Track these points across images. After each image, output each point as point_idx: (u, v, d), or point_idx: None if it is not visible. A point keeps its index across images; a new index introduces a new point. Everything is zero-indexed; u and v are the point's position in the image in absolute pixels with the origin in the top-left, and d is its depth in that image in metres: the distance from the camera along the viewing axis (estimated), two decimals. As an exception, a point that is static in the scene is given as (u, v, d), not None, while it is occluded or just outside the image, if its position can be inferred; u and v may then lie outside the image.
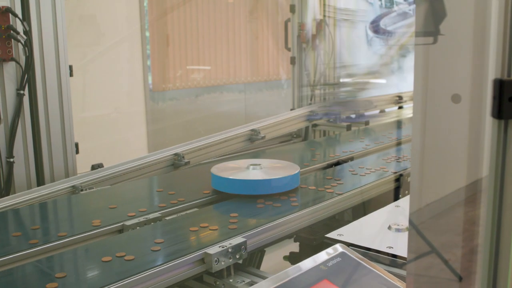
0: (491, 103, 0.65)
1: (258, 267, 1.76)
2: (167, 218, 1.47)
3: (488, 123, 0.66)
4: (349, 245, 1.35)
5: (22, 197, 1.71)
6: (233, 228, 1.35)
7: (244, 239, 1.26)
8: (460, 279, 0.70)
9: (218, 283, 1.21)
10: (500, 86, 0.65)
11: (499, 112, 0.65)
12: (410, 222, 0.74)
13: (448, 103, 0.71)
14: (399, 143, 2.53)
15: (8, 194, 1.84)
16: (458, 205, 0.71)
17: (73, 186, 1.84)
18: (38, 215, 1.57)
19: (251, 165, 1.70)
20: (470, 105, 0.69)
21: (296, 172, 1.69)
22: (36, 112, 1.95)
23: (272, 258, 1.96)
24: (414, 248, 0.76)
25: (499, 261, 0.66)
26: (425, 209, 0.74)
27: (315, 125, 3.14)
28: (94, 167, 2.09)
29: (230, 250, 1.21)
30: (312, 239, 1.62)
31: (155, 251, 1.21)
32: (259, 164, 1.71)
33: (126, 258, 1.16)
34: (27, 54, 1.87)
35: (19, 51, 1.87)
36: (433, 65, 0.71)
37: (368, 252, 1.29)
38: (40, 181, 1.97)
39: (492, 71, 0.66)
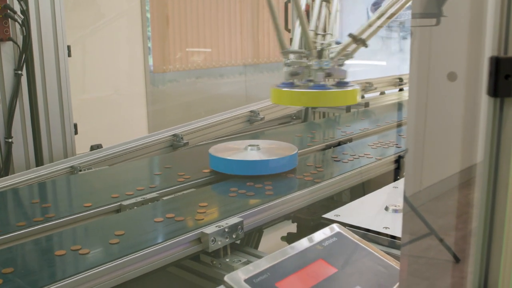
0: (487, 81, 0.65)
1: (256, 247, 1.77)
2: (164, 198, 1.47)
3: (484, 101, 0.65)
4: (345, 225, 1.35)
5: (21, 177, 1.72)
6: (230, 208, 1.35)
7: (240, 219, 1.26)
8: (457, 260, 0.70)
9: (214, 262, 1.21)
10: (497, 64, 0.64)
11: (495, 90, 0.64)
12: (405, 202, 0.74)
13: (444, 81, 0.70)
14: (399, 125, 2.53)
15: (7, 175, 1.84)
16: (452, 186, 0.71)
17: (71, 167, 1.84)
18: (36, 195, 1.57)
19: (249, 145, 1.70)
20: (466, 83, 0.68)
21: (294, 153, 1.69)
22: (34, 92, 1.95)
23: (271, 239, 1.97)
24: (409, 230, 0.76)
25: (492, 242, 0.66)
26: (420, 190, 0.74)
27: (314, 107, 3.13)
28: (93, 148, 2.09)
29: (226, 230, 1.21)
30: (310, 220, 1.62)
31: (151, 231, 1.21)
32: (257, 145, 1.70)
33: (122, 237, 1.17)
34: (25, 34, 1.86)
35: (16, 31, 1.86)
36: (429, 43, 0.70)
37: (364, 233, 1.30)
38: (39, 162, 1.97)
39: (489, 49, 0.65)
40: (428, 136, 0.71)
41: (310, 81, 1.68)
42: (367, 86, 3.29)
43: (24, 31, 1.86)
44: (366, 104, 3.10)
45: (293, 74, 1.68)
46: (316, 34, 1.74)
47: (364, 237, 1.28)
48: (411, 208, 0.74)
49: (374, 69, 4.35)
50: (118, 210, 1.41)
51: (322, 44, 1.69)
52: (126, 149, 2.01)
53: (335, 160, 1.84)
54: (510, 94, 0.63)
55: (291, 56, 1.70)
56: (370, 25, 1.65)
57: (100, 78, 3.53)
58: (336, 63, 1.67)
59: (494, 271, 0.66)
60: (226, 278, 0.91)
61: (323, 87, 1.63)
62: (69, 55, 2.05)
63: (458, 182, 0.71)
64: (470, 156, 0.68)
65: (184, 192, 1.53)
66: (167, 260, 1.15)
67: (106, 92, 3.60)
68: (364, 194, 1.59)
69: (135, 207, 1.41)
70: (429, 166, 0.71)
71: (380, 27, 1.67)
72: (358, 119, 2.77)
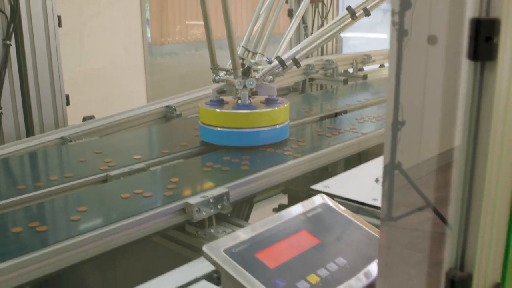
0: (467, 43, 0.62)
1: (247, 219, 1.76)
2: (151, 168, 1.46)
3: (464, 65, 0.63)
4: (334, 197, 1.33)
5: (10, 147, 1.70)
6: (215, 179, 1.34)
7: (226, 190, 1.24)
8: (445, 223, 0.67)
9: (200, 233, 1.20)
10: (477, 26, 0.61)
11: (475, 53, 0.61)
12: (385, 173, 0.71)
13: (424, 45, 0.67)
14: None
15: (-4, 145, 1.82)
16: (432, 155, 0.68)
17: (61, 138, 1.82)
18: (24, 165, 1.55)
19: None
20: (446, 47, 0.66)
21: (286, 124, 1.66)
22: (24, 63, 1.92)
23: (265, 211, 1.96)
24: (387, 200, 0.74)
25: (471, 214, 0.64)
26: (400, 159, 0.71)
27: (312, 79, 3.09)
28: (85, 119, 2.07)
29: (211, 200, 1.20)
30: (301, 192, 1.61)
31: (136, 200, 1.20)
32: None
33: (108, 206, 1.16)
34: (12, 3, 1.83)
35: (4, 0, 1.83)
36: (409, 5, 0.67)
37: (352, 204, 1.28)
38: (30, 132, 1.96)
39: (470, 10, 0.62)
40: (407, 102, 0.69)
41: (238, 98, 1.66)
42: (366, 59, 3.24)
43: (12, 0, 1.82)
44: (365, 77, 3.06)
45: (220, 92, 1.68)
46: (248, 52, 1.72)
47: (351, 208, 1.27)
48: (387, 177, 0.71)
49: (374, 42, 4.28)
50: (105, 180, 1.40)
51: (250, 62, 1.68)
52: (118, 120, 1.99)
53: (319, 134, 1.81)
54: (491, 57, 0.60)
55: (221, 73, 1.68)
56: (303, 49, 1.66)
57: (97, 50, 3.49)
58: (261, 82, 1.66)
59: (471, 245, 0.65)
60: (204, 248, 0.90)
61: (248, 107, 1.61)
62: (60, 25, 2.02)
63: (438, 150, 0.68)
64: (451, 119, 0.66)
65: (172, 163, 1.51)
66: (151, 230, 1.14)
67: (103, 63, 3.57)
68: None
69: (121, 178, 1.39)
70: (406, 132, 0.69)
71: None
72: (355, 91, 2.74)
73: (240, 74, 1.65)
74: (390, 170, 0.67)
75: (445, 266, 0.66)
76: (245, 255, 0.90)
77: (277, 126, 1.63)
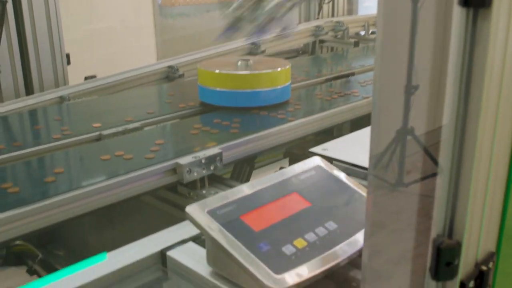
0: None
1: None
2: (146, 128, 1.42)
3: (456, 13, 0.57)
4: (332, 160, 1.29)
5: (8, 106, 1.68)
6: (210, 139, 1.30)
7: (219, 151, 1.21)
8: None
9: (191, 194, 1.17)
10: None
11: (465, -1, 0.55)
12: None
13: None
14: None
15: (-5, 103, 1.80)
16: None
17: (60, 97, 1.79)
18: (21, 122, 1.53)
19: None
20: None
21: (287, 84, 1.61)
22: (21, 21, 1.87)
23: (265, 176, 1.92)
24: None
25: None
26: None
27: (322, 41, 3.02)
28: (87, 79, 2.03)
29: (203, 161, 1.16)
30: (301, 155, 1.56)
31: (127, 159, 1.16)
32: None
33: (86, 168, 1.13)
34: (9, -44, 1.78)
35: (-1, -48, 1.78)
36: None
37: (350, 168, 1.24)
38: (29, 91, 1.93)
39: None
40: (396, 53, 0.63)
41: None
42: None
43: (8, -47, 1.77)
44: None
45: (235, 21, 1.59)
46: None
47: (349, 172, 1.22)
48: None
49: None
50: (98, 139, 1.37)
51: None
52: (118, 79, 1.95)
53: (318, 97, 1.76)
54: (485, 3, 0.55)
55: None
56: None
57: (107, 9, 3.42)
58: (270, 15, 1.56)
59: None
60: (187, 209, 0.86)
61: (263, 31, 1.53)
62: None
63: (425, 101, 0.63)
64: (440, 71, 0.60)
65: (168, 123, 1.48)
66: (141, 189, 1.12)
67: (113, 23, 3.50)
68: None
69: (115, 137, 1.36)
70: (392, 84, 0.63)
71: None
72: (365, 54, 2.66)
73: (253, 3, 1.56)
74: (402, 135, 0.62)
75: (432, 232, 0.62)
76: (229, 217, 0.86)
77: (278, 87, 1.58)
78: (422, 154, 0.63)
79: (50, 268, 1.14)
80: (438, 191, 0.62)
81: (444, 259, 0.60)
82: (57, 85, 1.98)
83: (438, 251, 0.60)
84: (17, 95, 1.89)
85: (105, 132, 1.36)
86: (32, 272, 1.51)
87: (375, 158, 0.67)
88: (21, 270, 1.55)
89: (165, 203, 1.24)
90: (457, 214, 0.60)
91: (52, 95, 1.78)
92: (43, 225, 1.00)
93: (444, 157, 0.59)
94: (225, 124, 1.44)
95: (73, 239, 1.61)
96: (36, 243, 1.60)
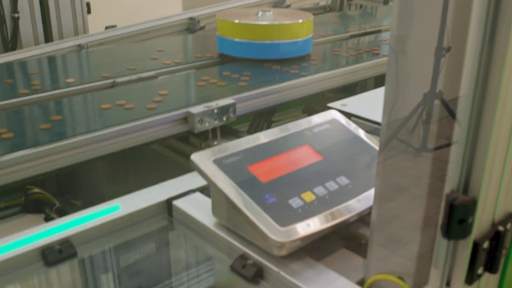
0: None
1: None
2: (160, 77, 1.38)
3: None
4: (351, 116, 1.24)
5: (24, 53, 1.66)
6: (224, 89, 1.26)
7: (233, 101, 1.16)
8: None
9: (203, 145, 1.14)
10: None
11: None
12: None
13: None
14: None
15: (15, 49, 1.78)
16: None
17: (79, 45, 1.76)
18: (35, 68, 1.51)
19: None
20: None
21: (309, 37, 1.55)
22: (41, -34, 1.84)
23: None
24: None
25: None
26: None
27: (350, -1, 2.92)
28: (107, 29, 2.00)
29: (216, 111, 1.12)
30: (320, 110, 1.51)
31: (129, 109, 1.13)
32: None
33: (111, 109, 1.10)
34: None
35: None
36: None
37: (369, 124, 1.19)
38: (49, 39, 1.90)
39: None
40: (427, 11, 0.58)
41: None
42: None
43: None
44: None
45: None
46: None
47: (367, 129, 1.18)
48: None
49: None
50: (112, 86, 1.34)
51: None
52: (138, 30, 1.91)
53: (335, 54, 1.69)
54: None
55: None
56: None
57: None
58: None
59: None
60: (192, 157, 0.83)
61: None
62: None
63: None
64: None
65: (182, 72, 1.44)
66: (150, 137, 1.09)
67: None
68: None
69: (128, 85, 1.33)
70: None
71: None
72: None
73: None
74: (430, 99, 0.58)
75: (446, 187, 0.58)
76: (236, 167, 0.83)
77: (298, 40, 1.52)
78: (449, 120, 0.59)
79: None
80: (454, 144, 0.57)
81: (457, 216, 0.56)
82: (76, 34, 1.95)
83: (451, 207, 0.56)
84: (36, 43, 1.86)
85: (118, 80, 1.33)
86: (49, 220, 1.51)
87: (397, 121, 0.63)
88: (39, 218, 1.56)
89: (177, 154, 1.21)
90: (474, 168, 0.56)
91: (70, 43, 1.75)
92: (57, 167, 0.98)
93: (463, 109, 0.55)
94: (234, 77, 1.39)
95: (90, 189, 1.61)
96: (55, 192, 1.61)
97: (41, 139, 0.99)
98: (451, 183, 0.57)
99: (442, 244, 0.59)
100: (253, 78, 1.38)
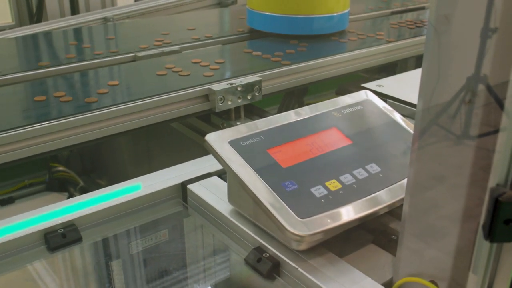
0: None
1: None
2: (184, 52, 1.31)
3: None
4: (387, 97, 1.15)
5: (49, 25, 1.61)
6: (248, 66, 1.17)
7: (259, 78, 1.08)
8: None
9: (225, 125, 1.07)
10: None
11: None
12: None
13: None
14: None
15: (40, 22, 1.74)
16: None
17: (104, 18, 1.70)
18: (60, 39, 1.46)
19: None
20: None
21: (346, 11, 1.45)
22: None
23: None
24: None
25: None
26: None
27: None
28: (136, 1, 1.94)
29: (239, 88, 1.04)
30: (354, 91, 1.42)
31: (153, 83, 1.07)
32: None
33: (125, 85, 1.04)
34: None
35: None
36: None
37: (406, 107, 1.10)
38: (75, 11, 1.85)
39: None
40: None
41: None
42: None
43: None
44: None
45: None
46: None
47: (404, 112, 1.08)
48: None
49: None
50: (133, 60, 1.28)
51: None
52: (167, 3, 1.84)
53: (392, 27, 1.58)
54: None
55: None
56: None
57: None
58: None
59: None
60: (207, 137, 0.76)
61: None
62: None
63: None
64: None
65: (207, 48, 1.36)
66: (169, 115, 1.02)
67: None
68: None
69: (151, 58, 1.26)
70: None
71: None
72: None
73: None
74: (474, 83, 0.50)
75: (491, 181, 0.49)
76: (254, 150, 0.75)
77: (334, 14, 1.42)
78: (495, 105, 0.50)
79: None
80: (502, 132, 0.48)
81: (503, 214, 0.48)
82: (103, 7, 1.89)
83: (496, 204, 0.48)
84: (62, 16, 1.82)
85: (140, 54, 1.27)
86: (72, 200, 1.48)
87: (437, 106, 0.55)
88: (63, 196, 1.53)
89: (198, 134, 1.14)
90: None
91: (96, 16, 1.69)
92: (78, 141, 0.94)
93: (510, 95, 0.46)
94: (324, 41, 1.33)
95: (114, 168, 1.57)
96: (79, 170, 1.58)
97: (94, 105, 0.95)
98: (496, 175, 0.49)
99: (483, 246, 0.51)
100: (310, 49, 1.32)
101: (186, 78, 1.09)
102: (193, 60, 1.20)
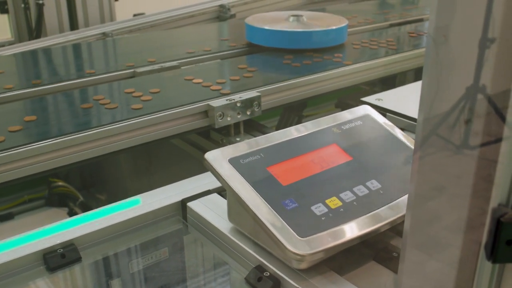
0: None
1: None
2: (183, 67, 1.31)
3: None
4: (386, 111, 1.15)
5: (48, 41, 1.61)
6: (247, 82, 1.17)
7: (258, 94, 1.08)
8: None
9: (224, 141, 1.06)
10: None
11: None
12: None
13: None
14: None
15: (39, 37, 1.74)
16: None
17: (103, 33, 1.71)
18: (57, 57, 1.46)
19: (292, 16, 1.47)
20: None
21: (343, 25, 1.45)
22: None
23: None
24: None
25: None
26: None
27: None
28: (135, 16, 1.94)
29: (238, 104, 1.04)
30: (353, 105, 1.42)
31: (147, 101, 1.06)
32: (301, 16, 1.47)
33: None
34: None
35: None
36: None
37: (406, 121, 1.09)
38: (74, 27, 1.86)
39: None
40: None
41: None
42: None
43: None
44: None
45: None
46: None
47: (404, 126, 1.08)
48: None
49: None
50: (132, 76, 1.28)
51: None
52: (165, 18, 1.85)
53: (371, 47, 1.59)
54: None
55: None
56: None
57: None
58: None
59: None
60: (206, 155, 0.76)
61: None
62: None
63: None
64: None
65: (206, 63, 1.36)
66: (167, 132, 1.02)
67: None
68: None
69: (149, 75, 1.26)
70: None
71: None
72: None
73: None
74: (472, 93, 0.50)
75: (492, 200, 0.49)
76: (254, 168, 0.75)
77: (331, 28, 1.42)
78: (493, 115, 0.50)
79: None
80: (504, 147, 0.48)
81: (505, 235, 0.47)
82: (103, 22, 1.90)
83: (498, 225, 0.47)
84: (61, 31, 1.82)
85: (139, 70, 1.27)
86: (72, 214, 1.48)
87: (436, 116, 0.55)
88: (63, 212, 1.52)
89: (198, 150, 1.14)
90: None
91: (95, 31, 1.69)
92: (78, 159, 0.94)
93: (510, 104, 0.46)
94: (323, 55, 1.33)
95: (114, 184, 1.56)
96: (79, 185, 1.57)
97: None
98: (499, 195, 0.48)
99: (485, 267, 0.50)
100: (318, 63, 1.31)
101: (187, 94, 1.09)
102: (187, 77, 1.20)
